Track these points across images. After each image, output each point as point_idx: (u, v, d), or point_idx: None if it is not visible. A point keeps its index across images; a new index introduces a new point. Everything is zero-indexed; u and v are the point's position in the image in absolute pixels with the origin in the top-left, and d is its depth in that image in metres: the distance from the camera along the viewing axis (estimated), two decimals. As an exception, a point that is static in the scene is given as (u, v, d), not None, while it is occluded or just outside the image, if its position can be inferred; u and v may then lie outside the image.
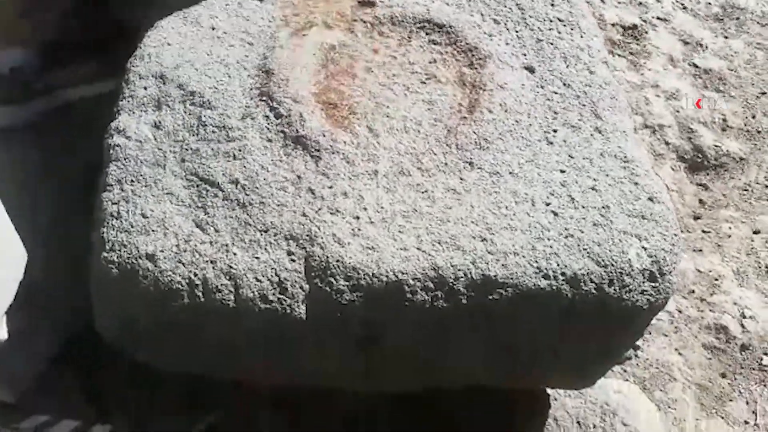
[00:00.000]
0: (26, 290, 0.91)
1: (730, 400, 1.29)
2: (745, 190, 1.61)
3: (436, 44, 1.00)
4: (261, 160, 0.86)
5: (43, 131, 1.30)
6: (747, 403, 1.29)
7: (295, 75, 0.93)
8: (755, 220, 1.56)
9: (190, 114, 0.90)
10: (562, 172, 0.87)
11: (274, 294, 0.78)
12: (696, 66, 1.81)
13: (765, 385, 1.31)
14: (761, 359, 1.35)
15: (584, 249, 0.80)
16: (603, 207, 0.84)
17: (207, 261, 0.79)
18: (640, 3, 1.94)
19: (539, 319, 0.81)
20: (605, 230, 0.82)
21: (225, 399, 1.10)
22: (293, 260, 0.79)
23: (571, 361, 0.89)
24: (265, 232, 0.81)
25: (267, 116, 0.89)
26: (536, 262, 0.79)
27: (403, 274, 0.78)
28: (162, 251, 0.80)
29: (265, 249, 0.80)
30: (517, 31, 1.01)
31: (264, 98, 0.91)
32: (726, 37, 1.89)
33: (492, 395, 1.08)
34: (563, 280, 0.79)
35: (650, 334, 1.35)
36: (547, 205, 0.83)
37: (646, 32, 1.87)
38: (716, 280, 1.45)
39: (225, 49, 0.97)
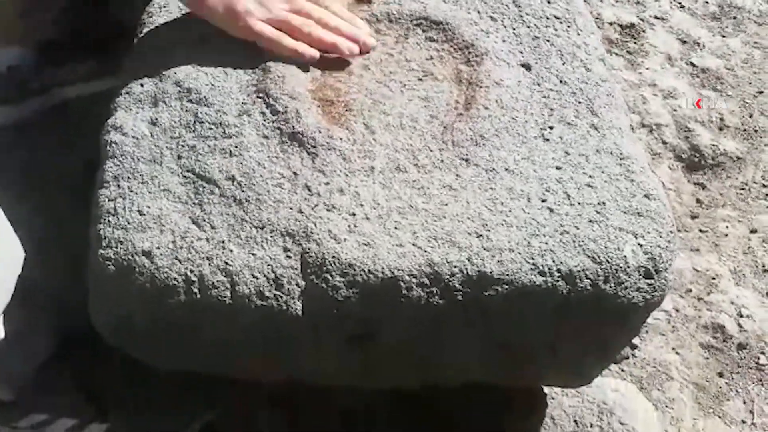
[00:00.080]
0: (24, 289, 0.91)
1: (728, 400, 1.29)
2: (743, 189, 1.62)
3: (433, 41, 1.00)
4: (257, 156, 0.86)
5: (40, 130, 1.30)
6: (744, 402, 1.29)
7: (292, 72, 0.94)
8: (752, 219, 1.56)
9: (186, 111, 0.90)
10: (558, 168, 0.87)
11: (270, 290, 0.79)
12: (693, 65, 1.82)
13: (762, 385, 1.32)
14: (758, 358, 1.35)
15: (580, 245, 0.81)
16: (599, 204, 0.84)
17: (203, 258, 0.79)
18: (638, 2, 1.94)
19: (534, 315, 0.81)
20: (601, 227, 0.82)
21: (222, 397, 1.10)
22: (289, 256, 0.79)
23: (567, 357, 0.89)
24: (262, 228, 0.81)
25: (263, 113, 0.90)
26: (532, 258, 0.79)
27: (398, 270, 0.78)
28: (158, 248, 0.80)
29: (261, 245, 0.80)
30: (513, 29, 1.02)
31: (260, 95, 0.91)
32: (723, 36, 1.90)
33: (490, 394, 1.09)
34: (558, 276, 0.79)
35: (647, 333, 1.36)
36: (543, 201, 0.84)
37: (644, 31, 1.87)
38: (713, 279, 1.45)
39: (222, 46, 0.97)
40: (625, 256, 0.81)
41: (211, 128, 0.88)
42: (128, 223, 0.81)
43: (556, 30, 1.02)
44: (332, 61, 0.96)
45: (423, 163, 0.87)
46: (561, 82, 0.96)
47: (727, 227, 1.54)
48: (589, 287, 0.80)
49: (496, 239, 0.80)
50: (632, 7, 1.93)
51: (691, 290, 1.43)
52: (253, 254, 0.79)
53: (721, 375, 1.32)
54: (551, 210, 0.83)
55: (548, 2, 1.05)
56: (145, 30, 1.01)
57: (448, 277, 0.78)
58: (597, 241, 0.81)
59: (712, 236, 1.52)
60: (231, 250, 0.79)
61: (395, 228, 0.81)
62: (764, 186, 1.62)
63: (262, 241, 0.80)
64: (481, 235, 0.80)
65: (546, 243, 0.80)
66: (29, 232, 0.94)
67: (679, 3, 1.97)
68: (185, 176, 0.85)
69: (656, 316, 1.38)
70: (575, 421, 1.17)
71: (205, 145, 0.87)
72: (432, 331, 0.82)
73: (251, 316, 0.79)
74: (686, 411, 1.27)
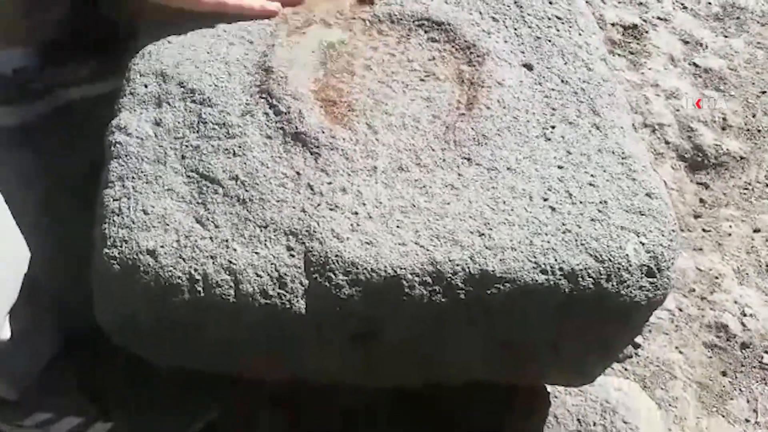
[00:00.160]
0: (29, 289, 0.92)
1: (731, 399, 1.29)
2: (746, 189, 1.62)
3: (435, 42, 1.00)
4: (260, 156, 0.86)
5: (45, 131, 1.30)
6: (748, 401, 1.29)
7: (294, 72, 0.94)
8: (756, 218, 1.56)
9: (190, 111, 0.91)
10: (560, 167, 0.87)
11: (273, 289, 0.79)
12: (696, 65, 1.82)
13: (766, 384, 1.32)
14: (762, 357, 1.35)
15: (582, 244, 0.81)
16: (600, 202, 0.84)
17: (207, 256, 0.80)
18: (640, 3, 1.94)
19: (537, 313, 0.81)
20: (603, 226, 0.82)
21: (224, 397, 1.10)
22: (293, 255, 0.80)
23: (570, 356, 0.90)
24: (265, 227, 0.81)
25: (266, 113, 0.90)
26: (534, 257, 0.79)
27: (401, 269, 0.78)
28: (163, 247, 0.80)
29: (265, 244, 0.80)
30: (515, 29, 1.02)
31: (263, 95, 0.92)
32: (726, 37, 1.90)
33: (492, 393, 1.09)
34: (561, 275, 0.79)
35: (651, 332, 1.36)
36: (545, 200, 0.84)
37: (647, 32, 1.87)
38: (717, 278, 1.45)
39: (225, 47, 0.97)
40: (627, 255, 0.81)
41: (214, 128, 0.89)
42: (133, 222, 0.82)
43: (557, 30, 1.02)
44: (335, 61, 0.97)
45: (425, 163, 0.87)
46: (563, 81, 0.96)
47: (730, 227, 1.54)
48: (591, 286, 0.80)
49: (498, 238, 0.80)
50: (635, 7, 1.94)
51: (694, 289, 1.43)
52: (256, 253, 0.80)
53: (724, 374, 1.32)
54: (553, 209, 0.83)
55: (550, 3, 1.06)
56: (148, 31, 1.02)
57: (450, 275, 0.78)
58: (599, 239, 0.81)
59: (715, 236, 1.52)
60: (235, 249, 0.80)
61: (398, 227, 0.81)
62: (767, 186, 1.62)
63: (265, 240, 0.81)
64: (483, 234, 0.81)
65: (548, 242, 0.81)
66: (34, 233, 0.95)
67: (682, 4, 1.97)
68: (189, 176, 0.85)
69: (659, 316, 1.38)
70: (578, 419, 1.17)
71: (208, 145, 0.88)
72: (434, 329, 0.83)
73: (255, 315, 0.80)
74: (689, 410, 1.27)
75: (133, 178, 0.85)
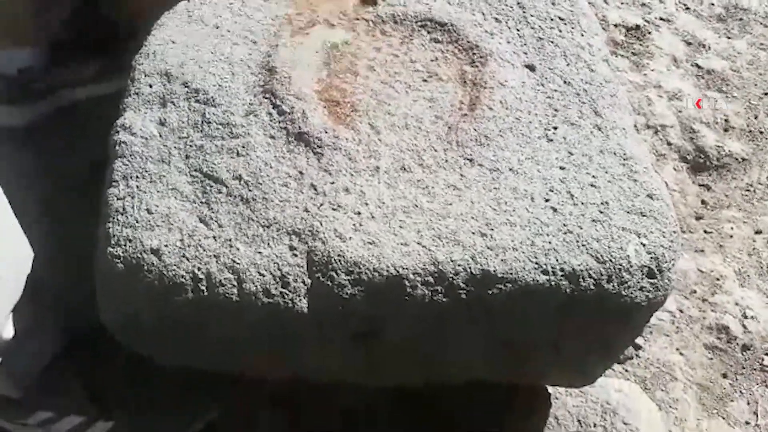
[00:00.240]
0: (31, 288, 0.92)
1: (732, 401, 1.29)
2: (747, 190, 1.62)
3: (438, 42, 1.01)
4: (264, 156, 0.87)
5: (48, 131, 1.31)
6: (748, 403, 1.29)
7: (298, 73, 0.95)
8: (757, 220, 1.56)
9: (194, 111, 0.91)
10: (562, 168, 0.87)
11: (276, 288, 0.79)
12: (699, 66, 1.82)
13: (766, 386, 1.32)
14: (763, 359, 1.35)
15: (583, 245, 0.81)
16: (602, 203, 0.84)
17: (210, 256, 0.80)
18: (643, 4, 1.95)
19: (538, 313, 0.82)
20: (604, 226, 0.82)
21: (224, 397, 1.10)
22: (295, 255, 0.80)
23: (571, 357, 0.90)
24: (268, 227, 0.82)
25: (270, 113, 0.91)
26: (535, 257, 0.80)
27: (403, 268, 0.78)
28: (166, 246, 0.81)
29: (268, 244, 0.81)
30: (518, 30, 1.02)
31: (267, 96, 0.92)
32: (729, 38, 1.90)
33: (492, 392, 1.09)
34: (562, 275, 0.80)
35: (651, 333, 1.36)
36: (547, 201, 0.84)
37: (649, 33, 1.87)
38: (718, 280, 1.45)
39: (229, 48, 0.98)
40: (628, 256, 0.81)
41: (218, 128, 0.89)
42: (137, 221, 0.82)
43: (560, 31, 1.03)
44: (338, 61, 0.97)
45: (428, 163, 0.87)
46: (565, 82, 0.96)
47: (732, 228, 1.54)
48: (592, 286, 0.80)
49: (499, 238, 0.81)
50: (637, 9, 1.94)
51: (695, 291, 1.43)
52: (259, 252, 0.80)
53: (725, 376, 1.32)
54: (555, 209, 0.84)
55: (552, 4, 1.06)
56: (153, 31, 1.02)
57: (452, 275, 0.79)
58: (600, 240, 0.81)
59: (716, 237, 1.52)
60: (238, 249, 0.80)
61: (400, 227, 0.81)
62: (769, 187, 1.62)
63: (268, 240, 0.81)
64: (485, 234, 0.81)
65: (549, 242, 0.81)
66: (37, 233, 0.95)
67: (685, 5, 1.97)
68: (193, 176, 0.86)
69: (660, 317, 1.38)
70: (579, 420, 1.17)
71: (212, 145, 0.88)
72: (436, 328, 0.83)
73: (257, 314, 0.80)
74: (690, 411, 1.27)
75: (137, 177, 0.86)
